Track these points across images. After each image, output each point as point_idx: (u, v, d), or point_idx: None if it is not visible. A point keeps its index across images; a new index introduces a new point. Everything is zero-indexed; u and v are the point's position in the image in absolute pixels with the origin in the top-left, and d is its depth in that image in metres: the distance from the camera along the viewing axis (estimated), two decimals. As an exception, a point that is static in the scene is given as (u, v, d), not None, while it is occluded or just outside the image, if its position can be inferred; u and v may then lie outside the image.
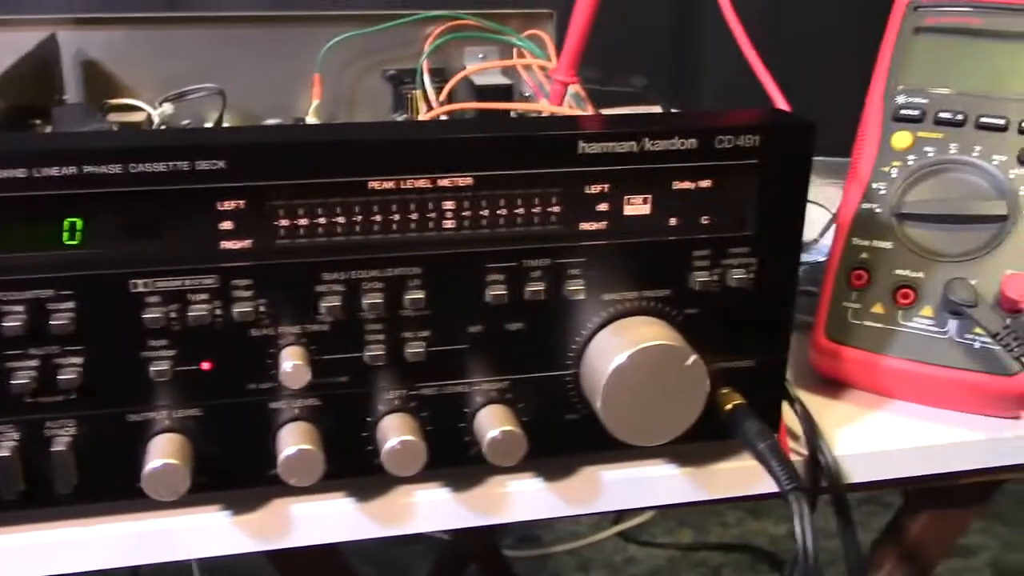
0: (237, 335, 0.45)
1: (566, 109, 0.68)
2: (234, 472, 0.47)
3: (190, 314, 0.44)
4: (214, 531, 0.48)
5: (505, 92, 0.79)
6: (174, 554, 0.47)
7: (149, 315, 0.43)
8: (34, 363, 0.43)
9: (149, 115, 0.75)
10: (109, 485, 0.46)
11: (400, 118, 0.80)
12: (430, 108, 0.77)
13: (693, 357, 0.47)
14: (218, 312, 0.44)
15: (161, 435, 0.45)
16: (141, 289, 0.43)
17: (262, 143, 0.43)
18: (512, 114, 0.72)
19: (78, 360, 0.44)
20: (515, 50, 0.81)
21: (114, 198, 0.42)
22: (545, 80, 0.77)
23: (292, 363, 0.44)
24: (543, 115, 0.69)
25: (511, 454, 0.47)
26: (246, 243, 0.44)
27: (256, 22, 0.81)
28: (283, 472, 0.45)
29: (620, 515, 1.62)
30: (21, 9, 0.78)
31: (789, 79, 0.57)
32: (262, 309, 0.45)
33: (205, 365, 0.45)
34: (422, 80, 0.76)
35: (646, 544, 1.61)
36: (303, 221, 0.44)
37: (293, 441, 0.45)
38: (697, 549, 1.60)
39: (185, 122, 0.76)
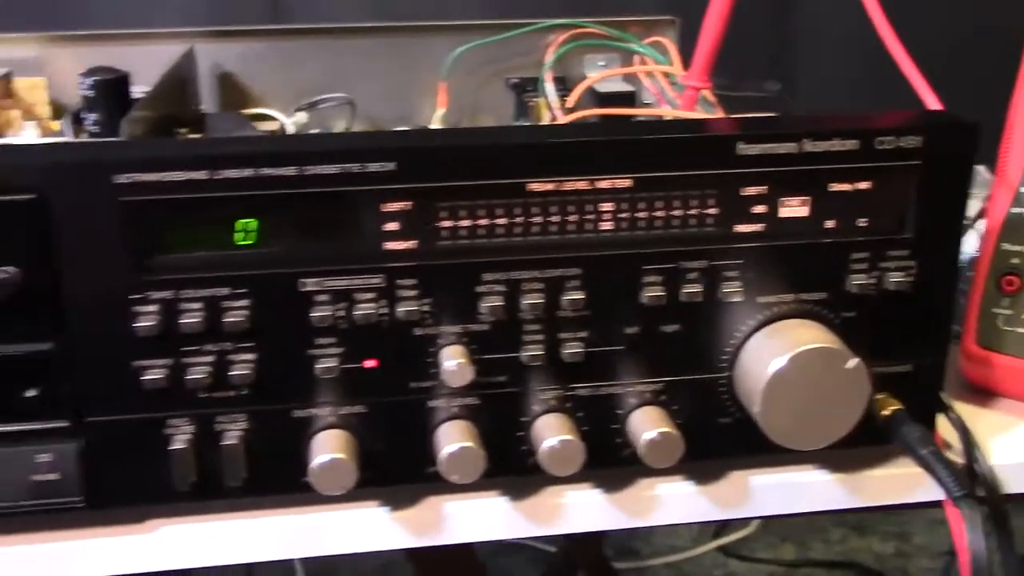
0: (401, 334, 0.46)
1: (699, 114, 0.68)
2: (394, 469, 0.47)
3: (356, 313, 0.45)
4: (372, 527, 0.49)
5: (628, 99, 0.79)
6: (332, 548, 0.48)
7: (317, 314, 0.45)
8: (209, 359, 0.45)
9: (282, 124, 0.77)
10: (275, 479, 0.47)
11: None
12: (553, 116, 0.78)
13: (855, 360, 0.46)
14: (383, 311, 0.45)
15: (327, 431, 0.46)
16: (310, 288, 0.45)
17: (431, 146, 0.44)
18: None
19: (250, 356, 0.45)
20: (637, 57, 0.81)
21: (287, 199, 0.43)
22: (668, 86, 0.77)
23: (456, 362, 0.45)
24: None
25: (668, 456, 0.47)
26: (410, 244, 0.45)
27: (381, 33, 0.83)
28: (446, 469, 0.46)
29: (721, 528, 1.60)
30: (162, 23, 0.81)
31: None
32: (425, 309, 0.45)
33: (370, 363, 0.46)
34: (544, 88, 0.77)
35: (747, 559, 1.58)
36: (465, 222, 0.45)
37: (456, 439, 0.46)
38: (800, 566, 1.57)
39: (315, 131, 0.78)
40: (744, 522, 1.64)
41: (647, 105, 0.81)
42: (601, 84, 0.80)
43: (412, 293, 0.45)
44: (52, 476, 0.45)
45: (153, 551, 0.47)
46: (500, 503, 0.50)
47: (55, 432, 0.45)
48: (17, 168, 0.42)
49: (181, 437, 0.45)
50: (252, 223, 0.44)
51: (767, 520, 1.62)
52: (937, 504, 0.48)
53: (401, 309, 0.45)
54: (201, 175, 0.42)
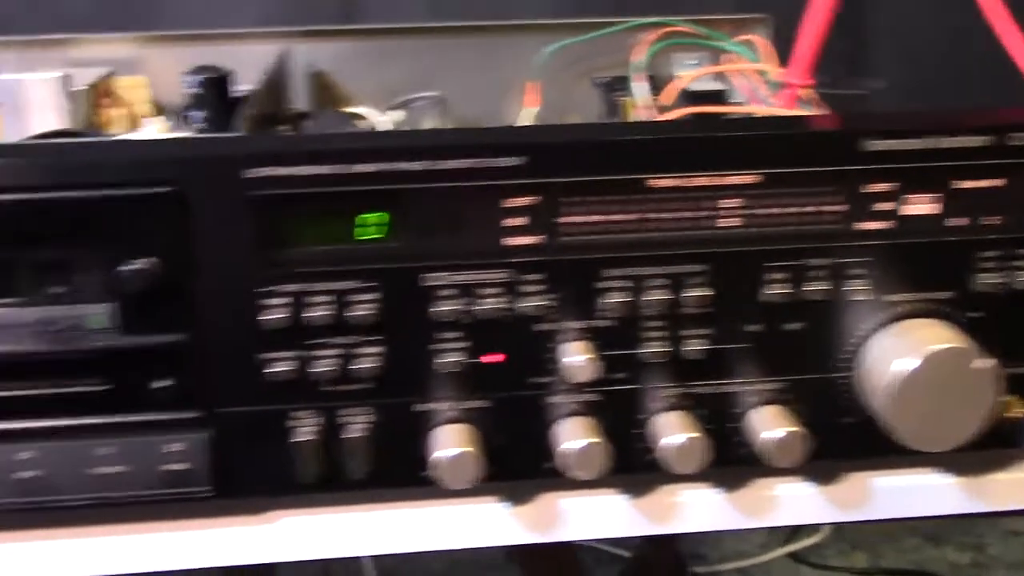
0: (524, 329, 0.46)
1: (801, 113, 0.67)
2: (513, 464, 0.47)
3: (480, 308, 0.45)
4: (489, 522, 0.49)
5: (719, 97, 0.78)
6: (450, 543, 0.49)
7: (443, 308, 0.45)
8: (334, 352, 0.45)
9: (373, 124, 0.77)
10: (397, 472, 0.47)
11: (614, 125, 0.81)
12: (642, 116, 0.77)
13: (985, 361, 0.45)
14: (507, 306, 0.45)
15: (449, 425, 0.46)
16: (437, 283, 0.45)
17: (560, 141, 0.44)
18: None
19: (375, 350, 0.45)
20: (727, 55, 0.81)
21: (415, 194, 0.44)
22: (762, 85, 0.76)
23: (580, 358, 0.45)
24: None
25: (792, 455, 0.46)
26: (534, 239, 0.45)
27: (469, 32, 0.84)
28: (571, 465, 0.45)
29: (791, 535, 1.58)
30: (258, 23, 0.82)
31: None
32: (548, 304, 0.45)
33: (493, 358, 0.46)
34: (634, 87, 0.77)
35: (818, 566, 1.56)
36: (588, 218, 0.45)
37: (580, 434, 0.46)
38: (872, 574, 1.54)
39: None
40: (815, 528, 1.62)
41: (738, 104, 0.80)
42: (691, 83, 0.79)
43: (536, 288, 0.45)
44: (182, 466, 0.46)
45: (275, 542, 0.48)
46: (615, 501, 0.49)
47: (186, 422, 0.45)
48: (156, 161, 0.42)
49: (306, 429, 0.46)
50: (380, 217, 0.44)
51: (839, 527, 1.60)
52: (1014, 514, 0.47)
53: (524, 304, 0.45)
54: (330, 169, 0.43)
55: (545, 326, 0.46)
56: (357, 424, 0.46)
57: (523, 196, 0.44)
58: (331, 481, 0.47)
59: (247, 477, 0.46)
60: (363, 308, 0.44)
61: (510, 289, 0.45)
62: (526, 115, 0.81)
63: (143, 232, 0.43)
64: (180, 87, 0.75)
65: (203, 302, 0.44)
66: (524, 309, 0.45)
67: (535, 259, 0.45)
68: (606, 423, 0.47)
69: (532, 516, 0.49)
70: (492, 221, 0.45)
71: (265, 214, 0.43)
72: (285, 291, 0.44)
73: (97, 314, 0.45)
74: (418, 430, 0.47)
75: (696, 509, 0.50)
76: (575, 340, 0.46)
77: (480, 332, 0.46)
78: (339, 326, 0.45)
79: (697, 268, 0.46)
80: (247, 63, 0.73)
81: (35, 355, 0.45)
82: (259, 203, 0.42)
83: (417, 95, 0.79)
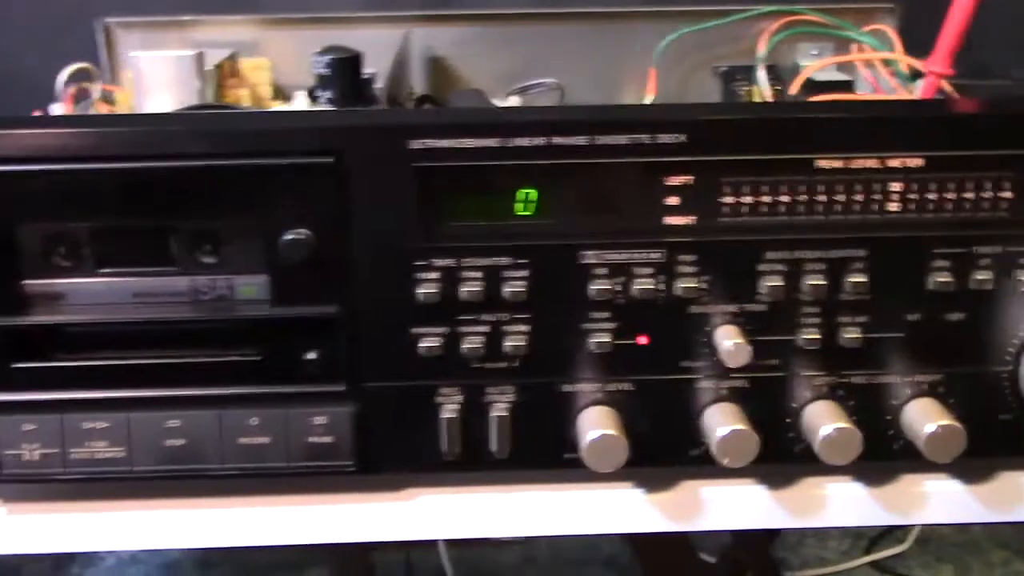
0: (676, 311, 0.45)
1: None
2: (657, 449, 0.46)
3: (635, 288, 0.44)
4: (629, 507, 0.48)
5: (846, 87, 0.76)
6: (588, 527, 0.48)
7: (596, 287, 0.44)
8: (484, 329, 0.45)
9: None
10: (539, 453, 0.46)
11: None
12: (765, 105, 0.76)
13: None
14: (661, 287, 0.44)
15: (593, 407, 0.46)
16: (590, 261, 0.44)
17: (723, 118, 0.43)
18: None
19: (524, 328, 0.45)
20: (854, 45, 0.79)
21: (574, 169, 0.43)
22: (890, 76, 0.74)
23: (734, 342, 0.44)
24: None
25: (947, 451, 0.45)
26: (690, 219, 0.44)
27: (589, 18, 0.82)
28: (718, 451, 0.44)
29: (873, 543, 1.55)
30: (376, 7, 0.82)
31: None
32: (703, 286, 0.44)
33: (642, 339, 0.45)
34: (757, 76, 0.75)
35: (903, 577, 1.52)
36: (747, 199, 0.44)
37: (728, 421, 0.44)
38: (960, 586, 1.50)
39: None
40: (899, 538, 1.58)
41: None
42: (815, 73, 0.77)
43: (691, 270, 0.44)
44: (326, 439, 0.45)
45: (412, 520, 0.47)
46: (758, 491, 0.48)
47: (331, 395, 0.45)
48: (317, 131, 0.42)
49: (452, 406, 0.45)
50: (536, 193, 0.43)
51: (923, 538, 1.56)
52: None
53: (679, 286, 0.44)
54: (492, 142, 0.42)
55: (699, 308, 0.45)
56: (503, 402, 0.46)
57: (684, 174, 0.43)
58: (473, 460, 0.46)
59: (389, 453, 0.46)
60: (515, 285, 0.44)
61: (664, 269, 0.44)
62: (647, 103, 0.80)
63: (301, 203, 0.42)
64: (298, 70, 0.75)
65: (357, 275, 0.44)
66: (677, 290, 0.44)
67: (691, 239, 0.44)
68: (753, 410, 0.46)
69: (672, 504, 0.48)
70: (651, 199, 0.44)
71: (429, 186, 0.42)
72: (440, 265, 0.44)
73: (249, 285, 0.45)
74: (562, 411, 0.46)
75: (840, 503, 0.48)
76: (728, 324, 0.45)
77: (630, 313, 0.45)
78: (489, 302, 0.44)
79: (858, 253, 0.44)
80: (364, 46, 0.73)
81: (184, 324, 0.45)
82: (424, 174, 0.42)
83: (534, 82, 0.78)
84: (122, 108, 0.70)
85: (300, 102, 0.62)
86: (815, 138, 0.43)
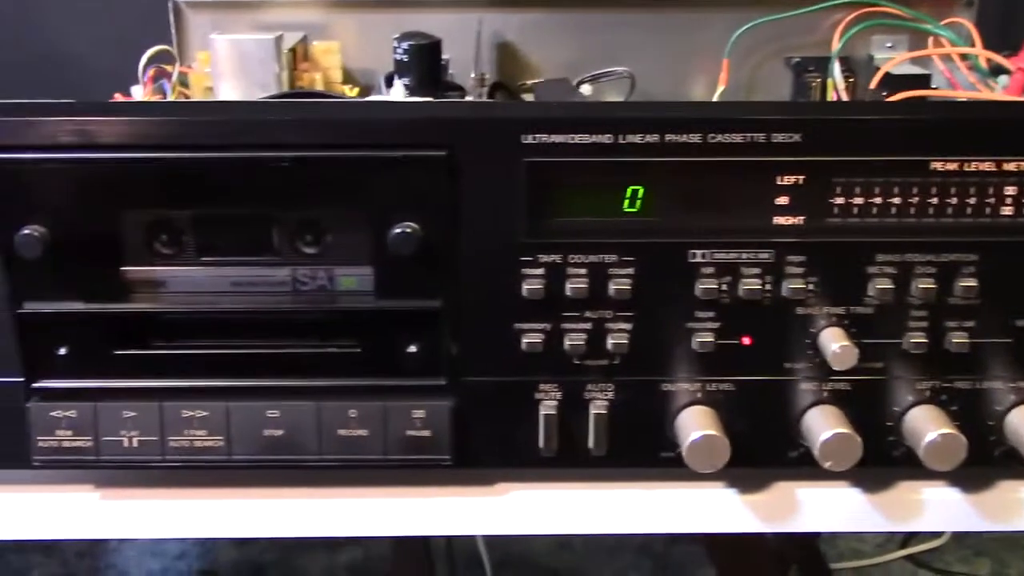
0: (782, 312, 0.44)
1: (1029, 100, 0.64)
2: (755, 450, 0.46)
3: (742, 288, 0.44)
4: (723, 507, 0.47)
5: (923, 83, 0.75)
6: (683, 526, 0.48)
7: (703, 286, 0.43)
8: (587, 326, 0.44)
9: (561, 97, 0.76)
10: (636, 451, 0.46)
11: (804, 107, 0.78)
12: (838, 98, 0.75)
13: None
14: (768, 288, 0.44)
15: (693, 407, 0.45)
16: (698, 260, 0.43)
17: (838, 119, 0.42)
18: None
19: (627, 326, 0.44)
20: (931, 38, 0.77)
21: (686, 168, 0.42)
22: (968, 72, 0.73)
23: (841, 344, 0.43)
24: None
25: (1055, 458, 0.44)
26: (800, 219, 0.43)
27: (660, 6, 0.81)
28: (821, 454, 0.44)
29: (908, 538, 1.54)
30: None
31: None
32: (810, 287, 0.44)
33: (746, 340, 0.45)
34: (832, 69, 0.74)
35: (939, 572, 1.51)
36: (858, 200, 0.43)
37: (831, 424, 0.44)
38: (998, 582, 1.50)
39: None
40: (935, 533, 1.57)
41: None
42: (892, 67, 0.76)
43: (799, 270, 0.44)
44: (424, 432, 0.45)
45: (506, 515, 0.47)
46: (852, 494, 0.48)
47: (431, 389, 0.45)
48: (431, 123, 0.42)
49: (551, 403, 0.45)
50: (645, 190, 0.43)
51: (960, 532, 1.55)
52: None
53: (787, 287, 0.44)
54: (606, 139, 0.42)
55: (805, 310, 0.44)
56: (602, 400, 0.45)
57: (795, 174, 0.43)
58: (569, 456, 0.46)
59: (486, 448, 0.46)
60: (621, 283, 0.43)
61: (772, 270, 0.44)
62: (718, 94, 0.79)
63: (411, 195, 0.42)
64: (365, 54, 0.75)
65: (462, 269, 0.43)
66: (784, 291, 0.44)
67: (800, 240, 0.43)
68: (855, 414, 0.45)
69: (766, 505, 0.47)
70: (761, 199, 0.43)
71: (539, 181, 0.42)
72: (546, 261, 0.43)
73: (349, 276, 0.45)
74: (661, 410, 0.46)
75: (937, 508, 0.48)
76: (833, 326, 0.44)
77: (735, 313, 0.44)
78: (594, 299, 0.44)
79: (969, 257, 0.44)
80: (432, 31, 0.72)
81: (285, 314, 0.45)
82: (535, 169, 0.42)
83: (605, 70, 0.77)
84: (196, 91, 0.70)
85: (397, 91, 0.61)
86: (931, 140, 0.42)
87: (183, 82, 0.69)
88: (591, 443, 0.45)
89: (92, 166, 0.42)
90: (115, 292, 0.44)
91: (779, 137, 0.42)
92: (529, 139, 0.41)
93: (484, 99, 0.66)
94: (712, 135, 0.42)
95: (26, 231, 0.42)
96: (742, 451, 0.45)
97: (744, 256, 0.43)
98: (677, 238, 0.43)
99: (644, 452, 0.46)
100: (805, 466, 0.46)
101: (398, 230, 0.42)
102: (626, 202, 0.43)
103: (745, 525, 0.47)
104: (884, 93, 0.69)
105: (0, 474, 0.48)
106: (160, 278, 0.45)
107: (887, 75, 0.76)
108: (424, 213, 0.42)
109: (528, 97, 0.73)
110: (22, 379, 0.44)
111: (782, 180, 0.43)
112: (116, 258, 0.44)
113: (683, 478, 0.47)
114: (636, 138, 0.42)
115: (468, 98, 0.66)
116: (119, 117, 0.42)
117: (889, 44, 0.80)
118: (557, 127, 0.41)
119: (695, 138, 0.42)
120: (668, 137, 0.42)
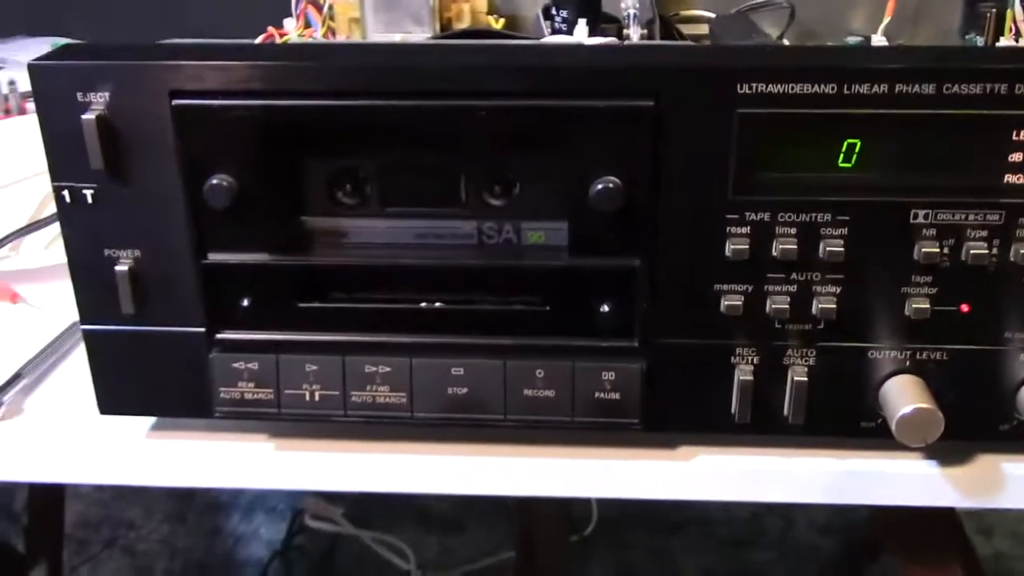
0: (1009, 278, 0.41)
1: None
2: (965, 423, 0.43)
3: (968, 252, 0.40)
4: (921, 480, 0.45)
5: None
6: (880, 498, 0.45)
7: (924, 249, 0.40)
8: (792, 288, 0.42)
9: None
10: (836, 420, 0.44)
11: (978, 40, 0.73)
12: (1016, 31, 0.69)
13: None
14: (995, 252, 0.40)
15: (899, 376, 0.43)
16: (920, 221, 0.40)
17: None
18: None
19: (836, 289, 0.41)
20: None
21: (914, 121, 0.39)
22: None
23: (1078, 315, 0.40)
24: None
25: None
26: (1034, 178, 0.40)
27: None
28: (1046, 431, 0.41)
29: None
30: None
31: None
32: (1041, 252, 0.40)
33: (964, 307, 0.41)
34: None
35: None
36: (1104, 156, 0.39)
37: (1058, 399, 0.41)
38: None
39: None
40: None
41: None
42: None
43: (1031, 234, 0.40)
44: (614, 395, 0.43)
45: (691, 480, 0.45)
46: (1063, 470, 0.45)
47: (622, 351, 0.43)
48: (637, 71, 0.39)
49: (747, 368, 0.43)
50: (864, 144, 0.40)
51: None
52: None
53: (1019, 251, 0.40)
54: (830, 89, 0.38)
55: (1031, 276, 0.41)
56: (803, 366, 0.43)
57: (1031, 130, 0.39)
58: (764, 424, 0.44)
59: (676, 412, 0.44)
60: (833, 244, 0.40)
61: (1000, 232, 0.40)
62: (883, 26, 0.73)
63: (613, 148, 0.39)
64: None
65: (663, 227, 0.41)
66: (1014, 256, 0.40)
67: (1036, 201, 0.40)
68: (1077, 387, 0.42)
69: (966, 479, 0.45)
70: (994, 155, 0.39)
71: (751, 134, 0.39)
72: (753, 220, 0.40)
73: (536, 231, 0.42)
74: (865, 378, 0.43)
75: None
76: (1068, 294, 0.41)
77: (956, 278, 0.41)
78: (802, 261, 0.41)
79: None
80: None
81: (472, 269, 0.43)
82: (749, 121, 0.39)
83: (762, 0, 0.73)
84: (341, 22, 0.68)
85: (580, 31, 0.58)
86: None
87: (332, 15, 0.67)
88: (788, 411, 0.43)
89: (280, 112, 0.40)
90: (299, 244, 0.43)
91: (1020, 88, 0.38)
92: (745, 89, 0.38)
93: (643, 34, 0.62)
94: (948, 85, 0.38)
95: (214, 181, 0.41)
96: (951, 423, 0.42)
97: (971, 218, 0.40)
98: (896, 196, 0.40)
99: (843, 421, 0.44)
100: (1016, 440, 0.43)
101: (600, 185, 0.39)
102: (841, 156, 0.40)
103: (947, 499, 0.45)
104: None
105: (177, 422, 0.48)
106: (344, 229, 0.43)
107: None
108: (627, 167, 0.40)
109: (688, 29, 0.69)
110: (204, 329, 0.44)
111: (1019, 136, 0.39)
112: (300, 209, 0.43)
113: (881, 448, 0.44)
114: (863, 88, 0.38)
115: (626, 32, 0.63)
116: (307, 63, 0.40)
117: (1074, -29, 0.73)
118: (778, 76, 0.38)
119: (929, 89, 0.38)
120: (899, 87, 0.38)
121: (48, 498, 1.04)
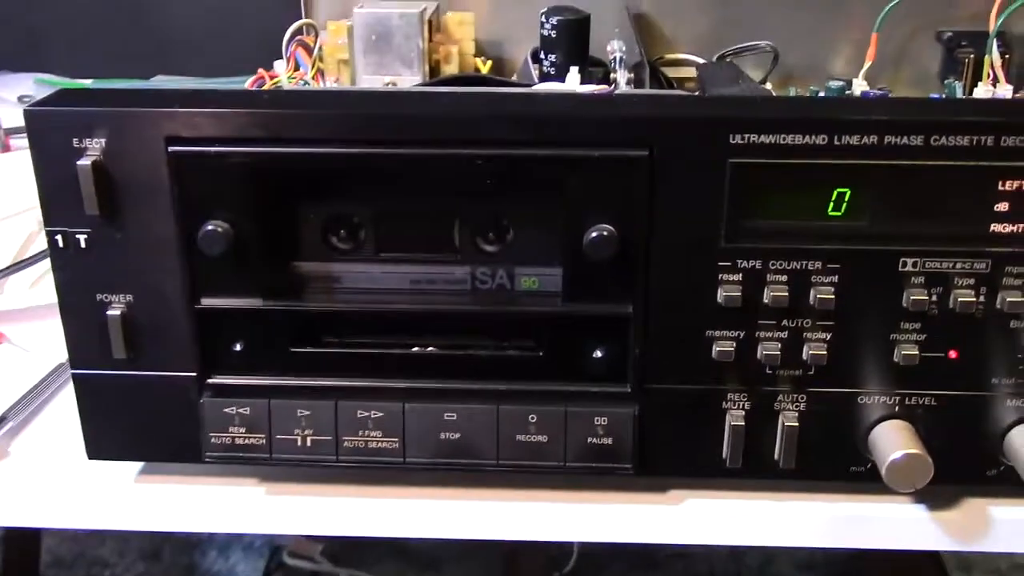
0: (996, 325, 0.41)
1: None
2: (951, 468, 0.43)
3: (953, 299, 0.41)
4: (909, 524, 0.45)
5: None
6: (870, 542, 0.45)
7: (912, 297, 0.41)
8: (784, 335, 0.42)
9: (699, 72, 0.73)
10: (826, 465, 0.44)
11: (957, 85, 0.74)
12: (995, 77, 0.71)
13: None
14: (982, 299, 0.41)
15: (889, 421, 0.43)
16: (908, 269, 0.41)
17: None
18: None
19: (826, 336, 0.42)
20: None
21: (903, 172, 0.39)
22: None
23: (1060, 362, 0.41)
24: None
25: None
26: (1019, 227, 0.40)
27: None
28: (1032, 477, 0.41)
29: None
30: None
31: None
32: (1025, 300, 0.41)
33: (952, 353, 0.42)
34: (989, 45, 0.70)
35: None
36: (1085, 207, 0.40)
37: (1044, 445, 0.41)
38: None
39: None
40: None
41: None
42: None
43: (1018, 282, 0.41)
44: (606, 440, 0.43)
45: (683, 525, 0.46)
46: (1046, 514, 0.45)
47: (615, 396, 0.43)
48: (633, 121, 0.39)
49: (739, 413, 0.43)
50: (853, 193, 0.40)
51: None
52: None
53: (1004, 299, 0.41)
54: (820, 140, 0.39)
55: (1018, 324, 0.41)
56: (793, 411, 0.43)
57: (1019, 179, 0.40)
58: (755, 468, 0.44)
59: (668, 457, 0.44)
60: (823, 291, 0.41)
61: (987, 281, 0.41)
62: (864, 70, 0.75)
63: (607, 196, 0.40)
64: (492, 19, 0.72)
65: (656, 274, 0.41)
66: (1000, 304, 0.41)
67: (1020, 250, 0.40)
68: (1061, 432, 0.43)
69: (954, 523, 0.45)
70: (980, 205, 0.40)
71: (743, 183, 0.39)
72: (745, 267, 0.41)
73: (533, 276, 0.43)
74: (854, 423, 0.43)
75: None
76: (1051, 342, 0.41)
77: (944, 325, 0.42)
78: (793, 307, 0.41)
79: None
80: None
81: (464, 315, 0.43)
82: (741, 171, 0.39)
83: (749, 44, 0.74)
84: (330, 64, 0.68)
85: (572, 79, 0.59)
86: None
87: (320, 56, 0.68)
88: (779, 455, 0.43)
89: (276, 159, 0.40)
90: (292, 289, 0.43)
91: (1009, 140, 0.39)
92: (737, 139, 0.39)
93: (630, 78, 0.63)
94: (936, 137, 0.39)
95: (210, 226, 0.41)
96: (939, 467, 0.43)
97: (958, 267, 0.41)
98: (886, 245, 0.41)
99: (833, 466, 0.44)
100: (1004, 483, 0.43)
101: (595, 233, 0.40)
102: (831, 205, 0.41)
103: (935, 543, 0.45)
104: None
105: (165, 466, 0.47)
106: (337, 274, 0.43)
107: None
108: (621, 215, 0.40)
109: (673, 73, 0.70)
110: (196, 374, 0.44)
111: (1005, 185, 0.40)
112: (294, 254, 0.43)
113: (870, 492, 0.45)
114: (853, 139, 0.39)
115: (614, 76, 0.64)
116: (305, 110, 0.40)
117: (1050, 19, 0.75)
118: (770, 127, 0.39)
119: (917, 140, 0.39)
120: (888, 139, 0.39)
121: (24, 545, 1.02)
